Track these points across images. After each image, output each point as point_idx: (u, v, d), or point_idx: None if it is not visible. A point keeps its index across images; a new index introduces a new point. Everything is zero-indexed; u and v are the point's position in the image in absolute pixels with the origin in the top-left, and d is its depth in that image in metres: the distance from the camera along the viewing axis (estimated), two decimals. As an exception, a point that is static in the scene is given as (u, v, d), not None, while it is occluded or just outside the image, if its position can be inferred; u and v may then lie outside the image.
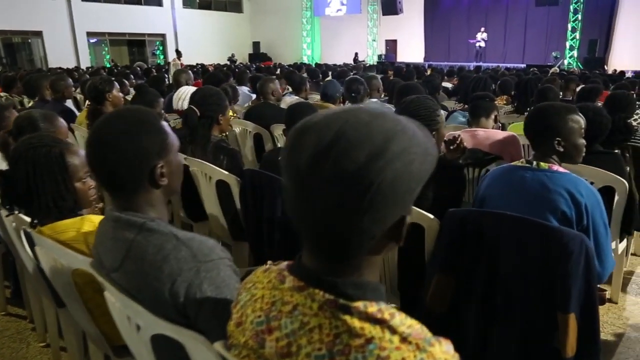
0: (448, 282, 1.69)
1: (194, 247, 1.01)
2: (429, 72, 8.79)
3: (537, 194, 1.72)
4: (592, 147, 2.40)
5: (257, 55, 24.67)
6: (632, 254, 3.32)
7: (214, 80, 5.30)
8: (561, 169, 1.76)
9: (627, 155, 3.00)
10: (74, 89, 4.89)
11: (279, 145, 3.59)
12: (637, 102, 3.86)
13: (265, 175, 2.16)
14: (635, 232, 3.20)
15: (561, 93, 5.56)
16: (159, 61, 22.00)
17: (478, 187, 1.95)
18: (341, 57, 21.68)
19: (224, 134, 2.75)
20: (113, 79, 3.63)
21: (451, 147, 2.08)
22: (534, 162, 1.78)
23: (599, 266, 1.67)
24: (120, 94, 3.45)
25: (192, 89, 2.72)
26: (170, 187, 1.15)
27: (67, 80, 4.20)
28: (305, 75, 6.23)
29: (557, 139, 1.75)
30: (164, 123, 1.16)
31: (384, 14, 21.11)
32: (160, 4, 22.84)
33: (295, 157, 0.66)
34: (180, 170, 1.20)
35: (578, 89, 4.89)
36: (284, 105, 4.96)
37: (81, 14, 19.73)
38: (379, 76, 5.01)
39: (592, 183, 2.33)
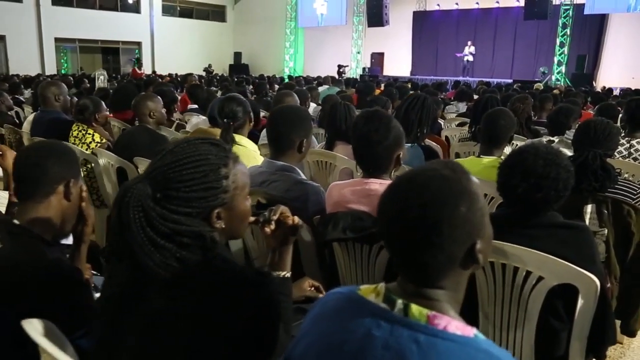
0: None
1: None
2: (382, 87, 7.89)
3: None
4: (542, 217, 1.47)
5: (238, 66, 23.84)
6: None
7: (123, 95, 4.38)
8: (454, 326, 0.79)
9: (605, 211, 2.08)
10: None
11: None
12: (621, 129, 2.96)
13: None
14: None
15: (534, 115, 4.69)
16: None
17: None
18: (325, 69, 20.89)
19: None
20: None
21: (267, 230, 1.17)
22: (399, 302, 0.82)
23: None
24: None
25: None
26: None
27: None
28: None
29: (475, 242, 0.82)
30: None
31: (369, 26, 20.44)
32: (137, 10, 21.99)
33: None
34: None
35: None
36: (189, 127, 4.06)
37: (50, 19, 18.82)
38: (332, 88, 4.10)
39: (540, 279, 1.40)
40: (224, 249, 1.09)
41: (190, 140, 1.06)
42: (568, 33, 16.09)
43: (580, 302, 1.39)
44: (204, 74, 18.63)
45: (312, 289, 1.48)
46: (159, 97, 3.17)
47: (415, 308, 0.79)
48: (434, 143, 3.67)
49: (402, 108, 2.65)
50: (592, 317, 1.42)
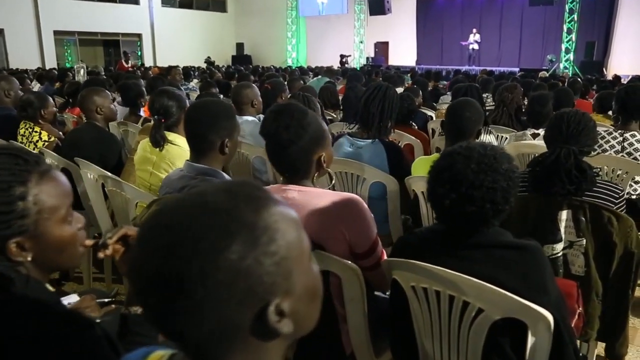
0: None
1: None
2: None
3: None
4: (482, 234, 1.20)
5: (241, 57, 23.56)
6: None
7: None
8: None
9: (583, 219, 1.79)
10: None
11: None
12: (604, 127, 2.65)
13: None
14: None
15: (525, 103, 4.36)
16: (139, 62, 20.95)
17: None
18: (328, 59, 20.61)
19: None
20: None
21: (100, 255, 0.92)
22: None
23: None
24: None
25: None
26: None
27: None
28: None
29: (268, 302, 0.54)
30: None
31: (371, 14, 20.09)
32: (136, 2, 21.74)
33: None
34: None
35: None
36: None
37: (48, 12, 18.63)
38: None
39: (480, 311, 1.14)
40: (37, 287, 0.84)
41: None
42: (575, 19, 15.52)
43: (530, 340, 1.12)
44: (204, 65, 18.41)
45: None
46: (106, 91, 2.92)
47: None
48: (412, 137, 3.40)
49: (362, 100, 2.36)
50: (548, 357, 1.15)
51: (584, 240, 1.79)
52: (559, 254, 1.83)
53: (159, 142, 2.04)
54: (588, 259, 1.80)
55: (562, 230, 1.82)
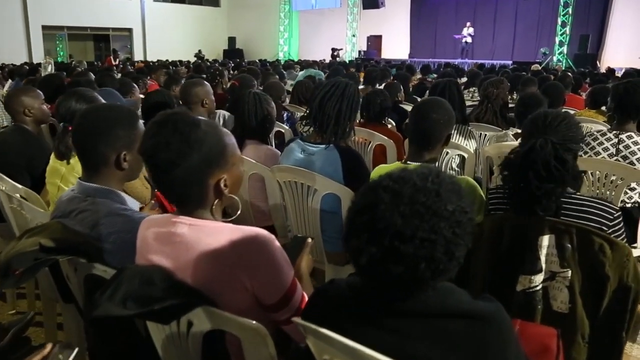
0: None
1: None
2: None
3: None
4: (421, 297, 0.86)
5: (233, 51, 23.18)
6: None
7: (47, 87, 3.78)
8: None
9: (569, 245, 1.47)
10: None
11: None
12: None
13: None
14: None
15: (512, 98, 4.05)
16: (124, 57, 20.53)
17: None
18: (320, 53, 20.35)
19: None
20: None
21: None
22: None
23: None
24: None
25: None
26: None
27: None
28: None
29: None
30: None
31: (364, 8, 19.88)
32: (128, -4, 21.32)
33: None
34: None
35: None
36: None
37: (36, 6, 18.23)
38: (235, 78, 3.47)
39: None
40: None
41: None
42: (570, 12, 15.38)
43: None
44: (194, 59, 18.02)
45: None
46: (38, 90, 2.59)
47: None
48: (385, 137, 3.08)
49: (317, 99, 2.03)
50: None
51: (569, 272, 1.47)
52: (538, 287, 1.51)
53: (64, 154, 1.72)
54: (573, 293, 1.48)
55: (543, 258, 1.49)
